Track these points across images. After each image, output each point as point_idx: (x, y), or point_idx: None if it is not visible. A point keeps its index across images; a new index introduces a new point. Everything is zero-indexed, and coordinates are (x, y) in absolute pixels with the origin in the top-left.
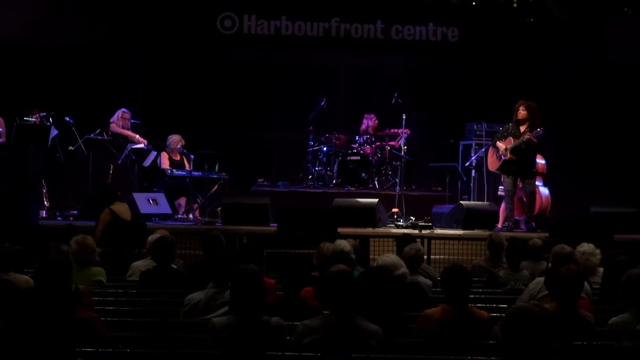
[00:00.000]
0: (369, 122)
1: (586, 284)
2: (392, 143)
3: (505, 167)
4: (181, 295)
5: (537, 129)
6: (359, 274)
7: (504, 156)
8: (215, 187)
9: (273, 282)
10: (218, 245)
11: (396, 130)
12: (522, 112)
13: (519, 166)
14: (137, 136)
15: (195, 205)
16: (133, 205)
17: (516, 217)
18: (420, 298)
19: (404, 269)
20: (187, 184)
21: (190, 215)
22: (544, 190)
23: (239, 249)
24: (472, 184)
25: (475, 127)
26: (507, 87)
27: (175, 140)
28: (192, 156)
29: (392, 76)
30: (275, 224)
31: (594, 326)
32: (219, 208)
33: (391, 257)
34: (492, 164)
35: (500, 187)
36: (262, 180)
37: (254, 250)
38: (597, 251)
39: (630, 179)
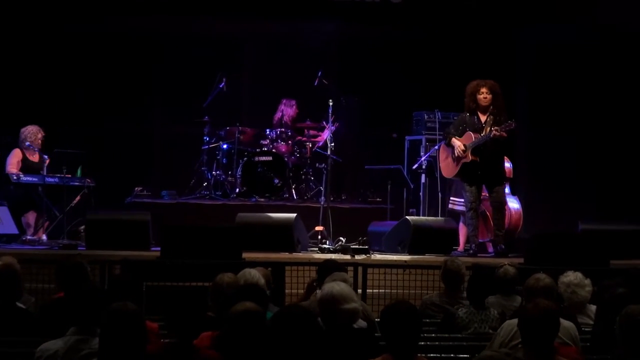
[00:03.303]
0: (287, 110)
1: (573, 326)
2: (315, 139)
3: (466, 172)
4: (32, 345)
5: (507, 121)
6: (273, 315)
7: (463, 157)
8: (77, 198)
9: (155, 326)
10: (81, 277)
11: (321, 122)
12: (486, 96)
13: (484, 170)
14: None
15: (48, 223)
16: None
17: (480, 239)
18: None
19: (354, 304)
20: (39, 194)
21: (44, 237)
22: (513, 201)
23: (109, 281)
24: (421, 193)
25: (425, 116)
26: (469, 64)
27: (33, 131)
28: (46, 157)
29: (315, 49)
30: (158, 248)
31: None
32: (82, 227)
33: (340, 286)
34: (447, 168)
35: (453, 198)
36: (140, 189)
37: (129, 284)
38: (587, 282)
39: (630, 186)
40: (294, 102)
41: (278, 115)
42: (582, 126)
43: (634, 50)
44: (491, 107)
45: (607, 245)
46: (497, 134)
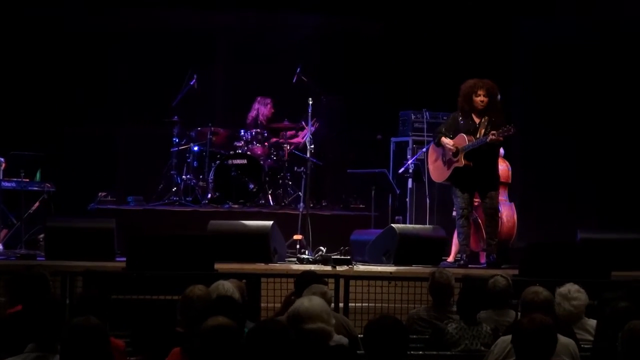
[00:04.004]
0: (262, 109)
1: (572, 343)
2: (293, 140)
3: (458, 177)
4: None
5: (504, 124)
6: (249, 331)
7: (455, 161)
8: (36, 204)
9: (122, 343)
10: (42, 290)
11: (300, 122)
12: (482, 99)
13: (478, 176)
14: None
15: (6, 231)
16: None
17: (473, 249)
18: None
19: (320, 324)
20: None
21: (0, 246)
22: (507, 207)
23: (71, 295)
24: (408, 199)
25: (413, 116)
26: (460, 61)
27: None
28: (1, 159)
29: (293, 44)
30: (124, 259)
31: None
32: (42, 235)
33: (311, 302)
34: (437, 171)
35: None
36: (104, 194)
37: (93, 297)
38: (579, 295)
39: (633, 192)
40: (269, 101)
41: (252, 114)
42: (582, 128)
43: (635, 48)
44: (487, 109)
45: (608, 255)
46: (494, 138)
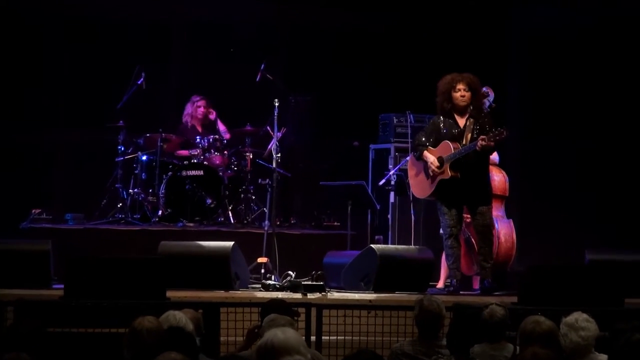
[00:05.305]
0: (189, 108)
1: None
2: (257, 148)
3: (444, 191)
4: None
5: (494, 126)
6: None
7: (440, 173)
8: None
9: None
10: None
11: (264, 126)
12: (464, 94)
13: (466, 188)
14: None
15: None
16: None
17: (466, 273)
18: None
19: (298, 357)
20: None
21: None
22: (504, 224)
23: (0, 327)
24: (390, 216)
25: (395, 120)
26: (448, 56)
27: None
28: None
29: (257, 38)
30: (61, 285)
31: None
32: None
33: (286, 335)
34: (419, 186)
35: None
36: (38, 211)
37: (26, 330)
38: (587, 325)
39: None
40: (198, 98)
41: (186, 117)
42: (588, 132)
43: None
44: (470, 108)
45: (621, 280)
46: (485, 144)
